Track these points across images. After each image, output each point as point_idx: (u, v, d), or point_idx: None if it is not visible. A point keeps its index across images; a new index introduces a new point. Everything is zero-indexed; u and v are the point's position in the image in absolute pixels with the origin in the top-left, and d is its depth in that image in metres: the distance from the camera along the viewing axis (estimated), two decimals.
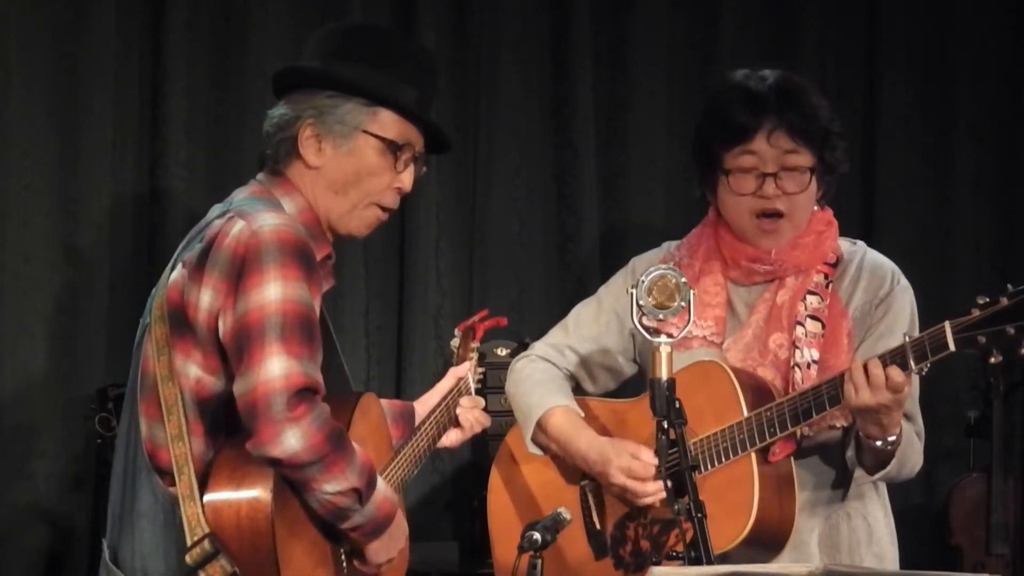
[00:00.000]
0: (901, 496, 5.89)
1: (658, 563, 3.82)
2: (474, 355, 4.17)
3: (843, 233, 4.25)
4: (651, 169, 5.95)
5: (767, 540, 3.88)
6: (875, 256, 4.11)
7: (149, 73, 5.47)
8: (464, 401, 4.06)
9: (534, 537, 3.53)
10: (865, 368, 3.75)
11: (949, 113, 6.21)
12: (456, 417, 4.05)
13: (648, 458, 3.96)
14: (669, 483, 3.52)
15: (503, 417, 4.41)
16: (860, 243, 4.16)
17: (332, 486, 3.41)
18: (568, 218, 5.89)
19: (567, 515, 3.61)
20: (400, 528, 3.62)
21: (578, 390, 4.23)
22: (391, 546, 3.60)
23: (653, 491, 3.94)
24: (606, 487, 4.04)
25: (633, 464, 3.97)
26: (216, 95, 5.49)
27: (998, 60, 6.22)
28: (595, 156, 5.91)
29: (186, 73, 5.48)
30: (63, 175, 5.32)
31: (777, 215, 3.99)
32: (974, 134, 6.21)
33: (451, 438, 4.06)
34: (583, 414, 4.13)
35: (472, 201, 5.84)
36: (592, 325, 4.21)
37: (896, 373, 3.73)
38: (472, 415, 4.05)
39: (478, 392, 4.13)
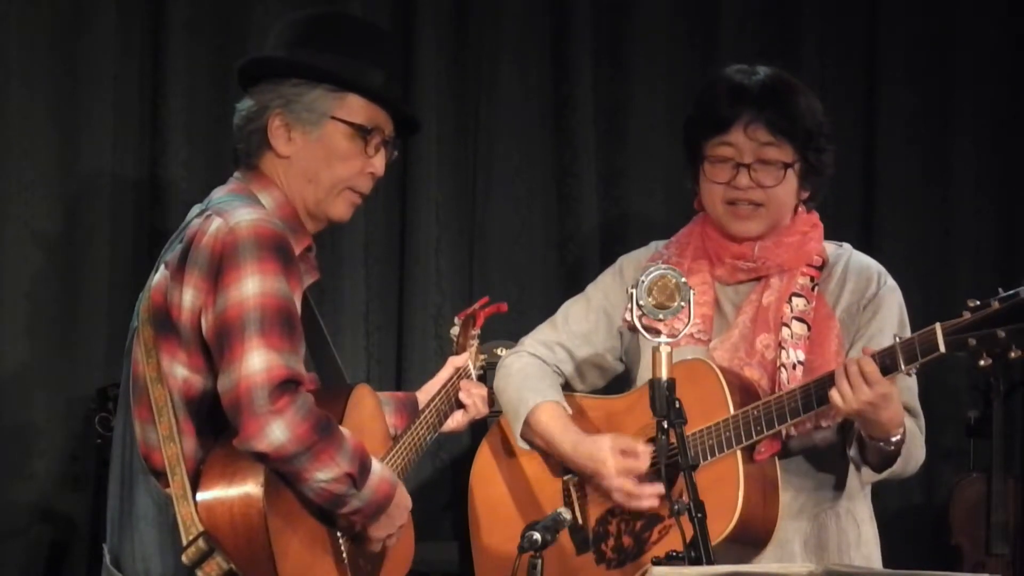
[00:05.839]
0: (901, 496, 5.91)
1: (658, 563, 3.82)
2: (474, 343, 4.18)
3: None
4: (651, 169, 5.94)
5: (750, 538, 3.89)
6: (861, 258, 4.11)
7: (149, 73, 5.46)
8: (465, 383, 4.07)
9: (534, 537, 3.53)
10: (845, 368, 3.75)
11: (949, 113, 6.20)
12: (459, 400, 4.06)
13: (641, 448, 3.96)
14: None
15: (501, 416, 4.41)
16: (846, 245, 4.15)
17: (324, 474, 3.41)
18: (568, 218, 5.89)
19: (567, 515, 3.60)
20: (399, 507, 3.62)
21: (566, 387, 4.23)
22: (390, 524, 3.62)
23: (650, 494, 3.94)
24: (601, 489, 4.03)
25: (628, 463, 3.97)
26: (216, 95, 5.48)
27: (998, 60, 6.21)
28: (595, 156, 5.90)
29: (186, 73, 5.48)
30: (63, 175, 5.32)
31: (750, 204, 4.00)
32: (974, 134, 6.21)
33: (456, 419, 4.07)
34: (571, 411, 4.13)
35: (472, 201, 5.84)
36: (582, 323, 4.21)
37: (867, 363, 3.73)
38: (476, 393, 4.06)
39: (480, 379, 4.14)
